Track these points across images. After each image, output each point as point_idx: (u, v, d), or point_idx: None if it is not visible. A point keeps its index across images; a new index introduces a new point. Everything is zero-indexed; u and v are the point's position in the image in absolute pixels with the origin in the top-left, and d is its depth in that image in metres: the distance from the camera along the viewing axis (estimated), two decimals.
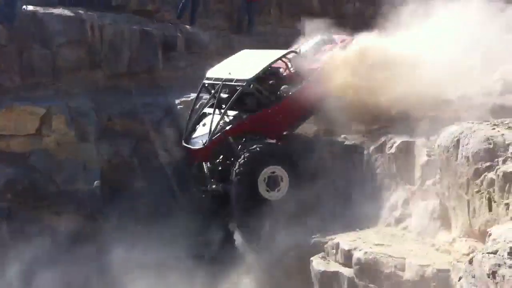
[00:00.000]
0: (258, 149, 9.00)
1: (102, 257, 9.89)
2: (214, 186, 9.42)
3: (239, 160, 8.87)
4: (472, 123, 7.19)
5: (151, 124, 11.55)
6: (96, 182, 10.65)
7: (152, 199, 10.68)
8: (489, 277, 4.81)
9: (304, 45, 10.88)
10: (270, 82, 9.86)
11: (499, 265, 4.76)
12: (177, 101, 11.86)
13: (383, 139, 8.81)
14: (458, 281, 5.58)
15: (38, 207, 10.45)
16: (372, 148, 8.91)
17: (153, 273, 9.48)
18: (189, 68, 12.59)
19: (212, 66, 10.56)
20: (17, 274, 9.55)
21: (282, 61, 10.21)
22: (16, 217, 10.29)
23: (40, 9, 11.99)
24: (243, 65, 9.96)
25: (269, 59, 9.88)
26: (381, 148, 8.73)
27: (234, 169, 8.89)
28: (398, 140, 8.56)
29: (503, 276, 4.68)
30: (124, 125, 11.47)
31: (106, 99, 11.74)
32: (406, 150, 8.44)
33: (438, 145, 7.21)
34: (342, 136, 9.55)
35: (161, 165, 11.18)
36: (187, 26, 13.91)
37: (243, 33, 14.94)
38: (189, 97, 11.55)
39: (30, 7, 11.98)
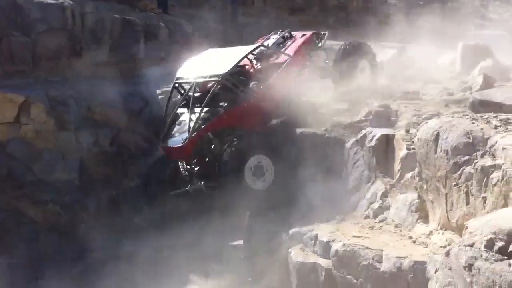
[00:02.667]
0: (244, 138, 9.07)
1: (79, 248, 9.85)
2: (193, 186, 9.44)
3: (225, 152, 8.91)
4: (452, 117, 7.23)
5: (131, 114, 11.49)
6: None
7: (131, 191, 10.63)
8: (465, 269, 4.84)
9: (266, 41, 10.99)
10: (240, 78, 9.92)
11: (476, 258, 4.79)
12: (158, 91, 11.80)
13: (363, 132, 8.83)
14: (435, 273, 5.61)
15: (15, 196, 10.34)
16: (352, 140, 8.93)
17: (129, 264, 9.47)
18: (171, 58, 12.51)
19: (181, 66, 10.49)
20: None
21: (248, 58, 10.30)
22: None
23: None
24: (213, 62, 10.02)
25: (239, 54, 9.93)
26: (361, 141, 8.75)
27: (220, 159, 8.91)
28: (378, 133, 8.59)
29: (479, 269, 4.71)
30: (104, 115, 11.38)
31: (87, 88, 11.62)
32: (386, 143, 8.47)
33: (418, 139, 7.24)
34: (323, 128, 9.57)
35: (141, 156, 11.17)
36: (172, 16, 13.83)
37: (226, 23, 14.90)
38: (170, 87, 11.47)
39: None
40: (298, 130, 9.62)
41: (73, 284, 8.87)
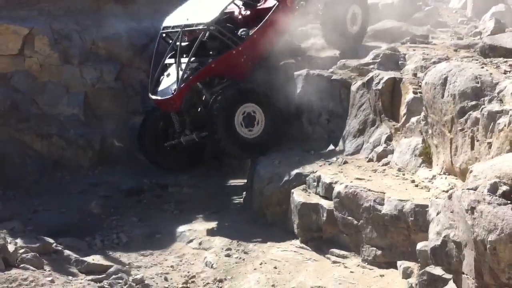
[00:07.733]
0: (235, 87, 9.01)
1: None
2: (187, 137, 9.43)
3: (215, 100, 8.85)
4: (461, 61, 7.15)
5: (136, 50, 11.37)
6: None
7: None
8: (467, 212, 4.87)
9: None
10: (228, 25, 9.74)
11: (478, 201, 4.82)
12: None
13: (370, 74, 8.75)
14: (436, 215, 5.65)
15: (20, 129, 10.36)
16: (359, 83, 8.85)
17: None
18: None
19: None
20: None
21: (235, 4, 10.11)
22: None
23: None
24: (200, 10, 9.80)
25: (225, 0, 9.71)
26: (368, 84, 8.67)
27: (210, 108, 8.88)
28: (385, 76, 8.50)
29: (481, 212, 4.75)
30: (109, 50, 11.27)
31: (91, 22, 11.46)
32: (393, 86, 8.40)
33: (426, 83, 7.17)
34: (329, 70, 9.48)
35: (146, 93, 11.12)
36: None
37: None
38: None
39: None
40: (296, 73, 9.52)
41: (76, 217, 8.97)
